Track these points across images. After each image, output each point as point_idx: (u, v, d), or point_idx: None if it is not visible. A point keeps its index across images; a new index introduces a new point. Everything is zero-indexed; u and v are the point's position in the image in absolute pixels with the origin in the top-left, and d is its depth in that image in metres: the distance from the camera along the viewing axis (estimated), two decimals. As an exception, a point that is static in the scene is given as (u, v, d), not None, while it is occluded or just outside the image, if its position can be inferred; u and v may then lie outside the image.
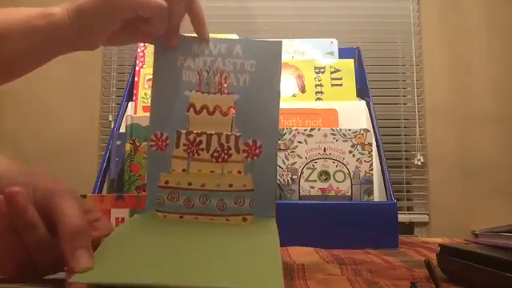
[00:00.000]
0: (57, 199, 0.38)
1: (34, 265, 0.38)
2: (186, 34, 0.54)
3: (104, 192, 0.84)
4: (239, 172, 0.51)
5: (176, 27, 0.53)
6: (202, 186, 0.51)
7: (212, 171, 0.51)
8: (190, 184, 0.51)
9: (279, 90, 0.53)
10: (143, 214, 0.51)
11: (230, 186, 0.51)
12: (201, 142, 0.51)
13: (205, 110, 0.52)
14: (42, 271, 0.39)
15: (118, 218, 0.61)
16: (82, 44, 0.55)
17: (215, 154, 0.51)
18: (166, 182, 0.51)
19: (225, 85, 0.53)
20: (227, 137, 0.52)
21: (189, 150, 0.51)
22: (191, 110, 0.52)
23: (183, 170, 0.51)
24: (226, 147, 0.51)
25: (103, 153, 0.89)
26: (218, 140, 0.52)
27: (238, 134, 0.52)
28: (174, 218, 0.50)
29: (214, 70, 0.53)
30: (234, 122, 0.52)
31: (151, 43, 0.55)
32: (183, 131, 0.51)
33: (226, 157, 0.51)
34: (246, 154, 0.51)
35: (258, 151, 0.51)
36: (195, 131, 0.52)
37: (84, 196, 0.62)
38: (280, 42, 0.54)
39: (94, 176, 0.86)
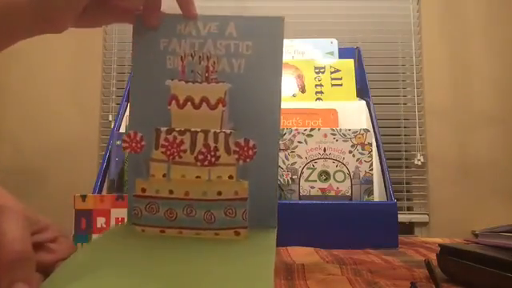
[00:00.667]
0: None
1: None
2: (171, 13, 0.46)
3: (104, 192, 0.84)
4: (230, 177, 0.43)
5: (156, 1, 0.45)
6: (185, 194, 0.43)
7: (198, 176, 0.43)
8: (171, 192, 0.43)
9: (281, 79, 0.44)
10: (118, 228, 0.45)
11: (219, 193, 0.43)
12: (182, 141, 0.43)
13: (189, 103, 0.44)
14: None
15: (117, 218, 0.61)
16: (45, 26, 0.47)
17: (200, 157, 0.43)
18: (143, 190, 0.43)
19: (213, 72, 0.44)
20: (215, 135, 0.43)
21: (168, 152, 0.43)
22: (173, 103, 0.44)
23: (163, 176, 0.43)
24: (212, 148, 0.43)
25: (103, 153, 0.89)
26: (204, 139, 0.43)
27: (229, 132, 0.43)
28: (154, 233, 0.43)
29: (200, 54, 0.44)
30: (224, 118, 0.44)
31: (130, 23, 0.46)
32: (163, 129, 0.44)
33: (213, 159, 0.43)
34: (237, 156, 0.43)
35: (251, 152, 0.43)
36: (177, 129, 0.43)
37: (84, 196, 0.62)
38: (281, 18, 0.45)
39: (94, 176, 0.86)
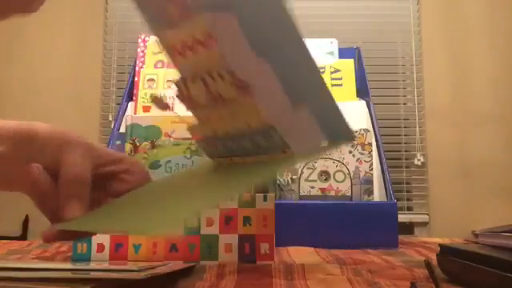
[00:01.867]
0: (63, 148, 0.39)
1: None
2: None
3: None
4: (251, 109, 0.37)
5: None
6: (225, 133, 0.40)
7: (209, 117, 0.41)
8: (214, 132, 0.41)
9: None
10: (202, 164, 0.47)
11: (249, 125, 0.38)
12: (198, 88, 0.39)
13: (187, 49, 0.38)
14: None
15: (118, 218, 0.61)
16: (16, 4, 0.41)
17: (219, 100, 0.39)
18: (196, 134, 0.43)
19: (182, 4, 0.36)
20: (220, 75, 0.37)
21: (194, 103, 0.41)
22: (176, 53, 0.39)
23: (206, 118, 0.42)
24: (223, 94, 0.38)
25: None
26: (212, 82, 0.38)
27: (232, 68, 0.36)
28: (226, 162, 0.42)
29: None
30: (223, 54, 0.36)
31: None
32: (181, 81, 0.40)
33: (227, 101, 0.38)
34: (236, 92, 0.37)
35: (242, 85, 0.37)
36: (188, 78, 0.39)
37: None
38: None
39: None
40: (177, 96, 0.42)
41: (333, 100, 0.40)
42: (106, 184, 0.43)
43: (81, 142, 0.40)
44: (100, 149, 0.42)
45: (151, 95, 0.75)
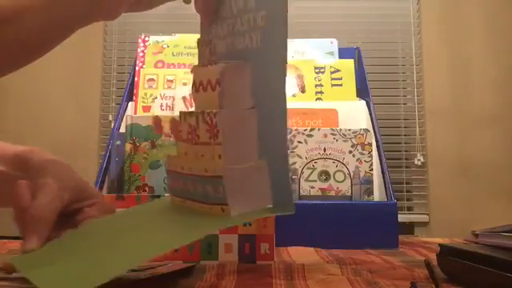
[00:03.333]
0: (41, 183, 0.44)
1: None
2: None
3: (104, 192, 0.84)
4: (213, 158, 0.41)
5: None
6: (188, 169, 0.44)
7: (186, 153, 0.45)
8: (182, 168, 0.45)
9: (286, 51, 0.41)
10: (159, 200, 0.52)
11: (206, 171, 0.41)
12: (190, 123, 0.44)
13: (201, 87, 0.44)
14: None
15: (118, 218, 0.61)
16: (101, 12, 0.47)
17: (189, 136, 0.44)
18: (170, 165, 0.47)
19: (213, 55, 0.45)
20: (206, 115, 0.41)
21: (189, 136, 0.45)
22: (193, 88, 0.45)
23: (182, 153, 0.46)
24: (193, 127, 0.43)
25: (103, 153, 0.89)
26: (196, 120, 0.42)
27: (214, 112, 0.41)
28: (179, 202, 0.46)
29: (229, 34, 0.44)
30: (221, 98, 0.41)
31: None
32: (177, 116, 0.46)
33: (196, 138, 0.43)
34: (209, 135, 0.41)
35: (215, 131, 0.41)
36: (188, 112, 0.44)
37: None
38: None
39: (94, 176, 0.86)
40: (172, 127, 0.46)
41: (288, 167, 0.42)
42: (69, 216, 0.47)
43: (63, 179, 0.46)
44: (79, 186, 0.48)
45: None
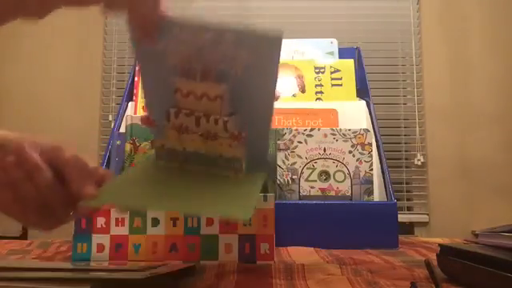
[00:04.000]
0: (61, 152, 0.47)
1: (51, 209, 0.46)
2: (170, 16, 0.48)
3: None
4: (230, 146, 0.50)
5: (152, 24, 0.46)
6: (195, 150, 0.51)
7: (204, 142, 0.51)
8: (184, 149, 0.52)
9: (275, 87, 0.49)
10: (145, 161, 0.56)
11: (220, 156, 0.51)
12: (188, 122, 0.50)
13: (192, 95, 0.49)
14: (58, 215, 0.47)
15: (117, 218, 0.61)
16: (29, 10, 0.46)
17: (204, 134, 0.51)
18: (162, 146, 0.52)
19: (211, 73, 0.48)
20: (215, 120, 0.49)
21: (178, 128, 0.51)
22: (178, 93, 0.49)
23: (176, 139, 0.51)
24: (213, 132, 0.50)
25: (103, 153, 0.89)
26: (206, 122, 0.50)
27: (226, 119, 0.49)
28: (174, 165, 0.52)
29: (199, 56, 0.47)
30: (222, 107, 0.49)
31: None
32: (172, 110, 0.50)
33: (213, 137, 0.51)
34: (233, 139, 0.50)
35: (243, 140, 0.50)
36: (184, 111, 0.50)
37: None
38: (279, 37, 0.44)
39: (94, 176, 0.86)
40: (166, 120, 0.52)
41: (267, 141, 0.54)
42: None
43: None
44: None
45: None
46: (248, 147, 0.51)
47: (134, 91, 1.02)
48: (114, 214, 0.61)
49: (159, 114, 0.51)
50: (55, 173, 0.46)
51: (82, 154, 0.49)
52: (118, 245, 0.60)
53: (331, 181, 0.81)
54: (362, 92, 1.03)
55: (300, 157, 0.82)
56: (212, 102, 0.49)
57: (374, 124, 0.93)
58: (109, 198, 0.47)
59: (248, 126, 0.51)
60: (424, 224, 2.41)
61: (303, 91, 1.01)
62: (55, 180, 0.45)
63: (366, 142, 0.82)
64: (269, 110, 0.52)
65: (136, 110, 0.98)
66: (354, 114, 0.93)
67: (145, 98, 0.54)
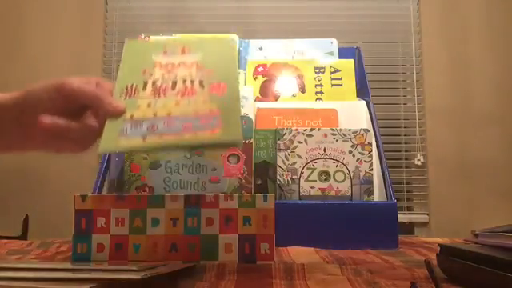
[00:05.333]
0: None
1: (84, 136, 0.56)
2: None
3: (104, 192, 0.84)
4: (204, 102, 0.55)
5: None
6: (167, 114, 0.54)
7: (177, 103, 0.55)
8: (155, 115, 0.54)
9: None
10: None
11: (196, 112, 0.53)
12: (166, 87, 0.57)
13: (170, 65, 0.59)
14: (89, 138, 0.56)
15: (117, 218, 0.61)
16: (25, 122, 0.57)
17: (180, 92, 0.56)
18: (131, 117, 0.54)
19: (187, 52, 0.60)
20: (191, 81, 0.57)
21: (155, 92, 0.56)
22: (157, 65, 0.59)
23: (148, 106, 0.55)
24: (189, 87, 0.56)
25: (100, 152, 0.89)
26: (183, 83, 0.57)
27: (202, 78, 0.57)
28: (137, 141, 0.53)
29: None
30: (197, 71, 0.58)
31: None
32: (150, 79, 0.57)
33: (191, 93, 0.56)
34: (210, 90, 0.56)
35: (222, 90, 0.55)
36: (161, 78, 0.57)
37: (84, 196, 0.62)
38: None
39: (93, 176, 0.86)
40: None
41: (239, 106, 0.56)
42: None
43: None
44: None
45: None
46: (224, 104, 0.55)
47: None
48: (113, 214, 0.61)
49: (137, 86, 0.58)
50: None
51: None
52: (118, 245, 0.60)
53: (331, 181, 0.81)
54: (362, 92, 1.03)
55: (300, 157, 0.82)
56: (189, 68, 0.58)
57: (374, 124, 0.93)
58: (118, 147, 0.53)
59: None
60: (424, 224, 2.41)
61: (303, 91, 1.01)
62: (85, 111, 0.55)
63: (365, 142, 0.82)
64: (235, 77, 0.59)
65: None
66: (354, 114, 0.93)
67: (120, 77, 0.60)
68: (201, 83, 0.56)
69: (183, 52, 0.60)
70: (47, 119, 0.52)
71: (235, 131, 0.51)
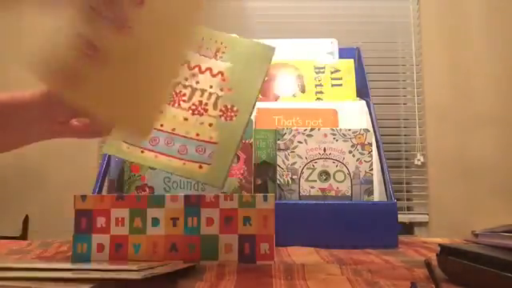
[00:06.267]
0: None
1: None
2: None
3: (104, 192, 0.84)
4: (210, 125, 0.57)
5: None
6: (172, 129, 0.57)
7: (186, 119, 0.57)
8: (161, 125, 0.57)
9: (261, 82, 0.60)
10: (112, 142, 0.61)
11: (197, 135, 0.56)
12: (185, 94, 0.58)
13: (197, 68, 0.59)
14: None
15: (117, 218, 0.61)
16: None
17: (193, 107, 0.58)
18: None
19: (220, 55, 0.60)
20: (209, 94, 0.58)
21: (171, 99, 0.58)
22: (185, 65, 0.59)
23: (160, 112, 0.57)
24: (204, 103, 0.58)
25: (103, 153, 0.89)
26: (200, 95, 0.58)
27: (220, 94, 0.58)
28: (136, 151, 0.57)
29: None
30: (219, 84, 0.59)
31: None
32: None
33: (202, 111, 0.58)
34: (221, 113, 0.57)
35: (232, 114, 0.57)
36: (182, 83, 0.58)
37: (84, 196, 0.62)
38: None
39: (93, 176, 0.86)
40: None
41: (233, 156, 0.57)
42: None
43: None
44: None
45: None
46: (222, 133, 0.57)
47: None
48: (113, 214, 0.61)
49: None
50: None
51: None
52: (118, 245, 0.60)
53: (331, 181, 0.81)
54: (362, 92, 1.03)
55: (300, 157, 0.82)
56: (212, 78, 0.58)
57: (374, 124, 0.93)
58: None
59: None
60: (424, 224, 2.41)
61: (303, 91, 1.01)
62: None
63: (365, 142, 0.82)
64: (252, 101, 0.59)
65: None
66: (354, 114, 0.93)
67: None
68: (215, 102, 0.58)
69: (217, 52, 0.60)
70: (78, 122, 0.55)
71: (219, 176, 0.55)
